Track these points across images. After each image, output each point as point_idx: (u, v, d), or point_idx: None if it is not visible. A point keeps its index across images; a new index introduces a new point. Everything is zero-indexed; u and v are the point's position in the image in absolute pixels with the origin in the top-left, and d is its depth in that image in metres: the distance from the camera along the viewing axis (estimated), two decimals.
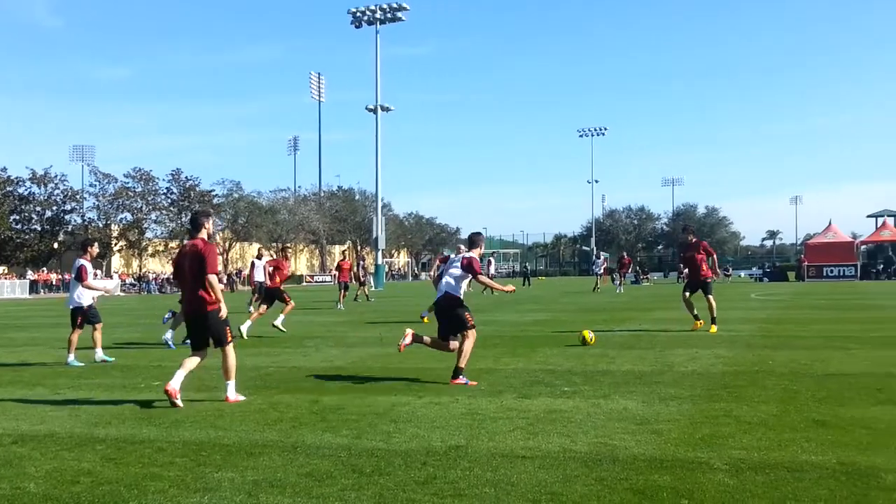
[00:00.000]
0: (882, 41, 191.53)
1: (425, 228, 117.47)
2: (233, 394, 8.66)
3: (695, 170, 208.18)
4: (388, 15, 63.78)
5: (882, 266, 60.78)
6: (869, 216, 68.94)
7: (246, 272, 64.24)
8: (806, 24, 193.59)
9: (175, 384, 8.37)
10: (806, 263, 61.56)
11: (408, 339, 9.86)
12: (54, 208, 72.67)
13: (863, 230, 77.77)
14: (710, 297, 16.33)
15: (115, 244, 73.42)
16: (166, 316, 16.17)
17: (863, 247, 67.32)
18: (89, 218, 75.02)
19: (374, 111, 64.07)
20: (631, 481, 5.26)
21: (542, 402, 8.28)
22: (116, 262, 77.50)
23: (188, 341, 9.35)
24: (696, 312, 16.38)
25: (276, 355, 13.26)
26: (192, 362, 8.67)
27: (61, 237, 72.63)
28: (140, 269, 74.44)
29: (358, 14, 64.19)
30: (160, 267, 76.56)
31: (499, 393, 8.87)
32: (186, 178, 78.08)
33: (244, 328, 16.38)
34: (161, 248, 76.07)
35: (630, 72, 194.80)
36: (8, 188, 69.91)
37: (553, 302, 31.07)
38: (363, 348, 14.22)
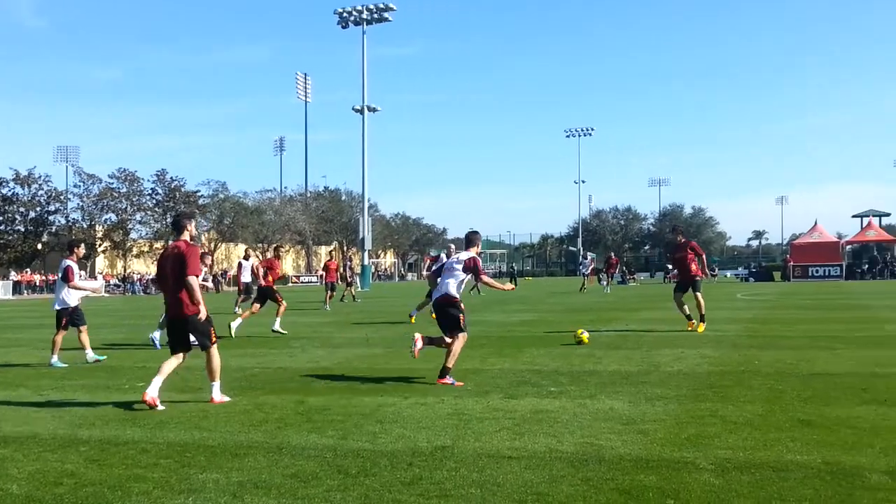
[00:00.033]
0: (866, 43, 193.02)
1: (412, 229, 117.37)
2: (218, 395, 8.62)
3: (681, 170, 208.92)
4: (375, 15, 63.66)
5: (867, 266, 61.12)
6: (854, 216, 69.26)
7: (231, 273, 64.11)
8: (802, 24, 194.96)
9: (153, 392, 8.30)
10: (791, 263, 61.86)
11: (419, 344, 9.85)
12: (38, 209, 72.14)
13: (848, 230, 78.16)
14: (699, 294, 16.39)
15: (100, 245, 73.05)
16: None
17: (848, 247, 67.67)
18: (73, 219, 74.57)
19: (361, 112, 63.94)
20: (617, 481, 5.26)
21: (529, 402, 8.28)
22: (101, 262, 77.05)
23: None
24: (688, 313, 16.43)
25: (262, 356, 13.21)
26: (170, 366, 8.59)
27: (45, 238, 72.18)
28: (124, 270, 74.04)
29: (344, 14, 64.05)
30: (145, 268, 76.17)
31: (485, 393, 8.86)
32: (171, 178, 77.84)
33: (234, 325, 16.39)
34: (146, 248, 75.77)
35: (617, 72, 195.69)
36: None
37: (540, 302, 31.10)
38: (349, 349, 14.19)
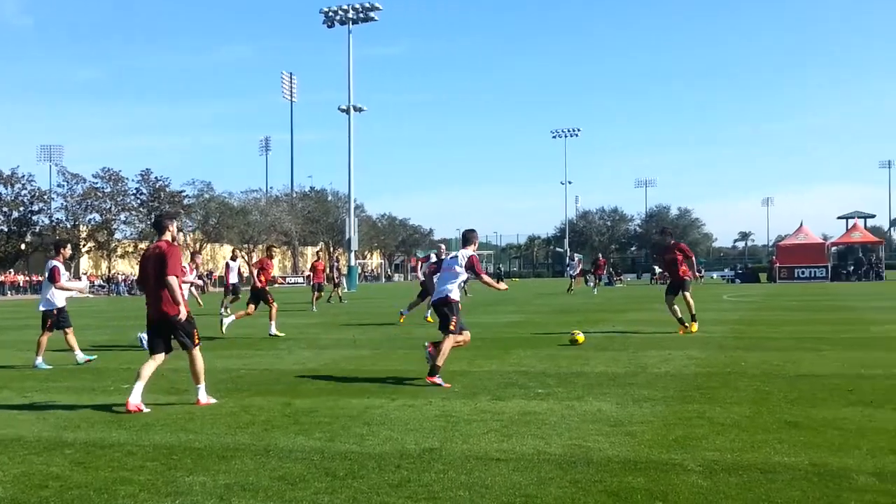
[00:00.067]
0: (853, 45, 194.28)
1: (398, 230, 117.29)
2: (204, 397, 8.57)
3: (667, 171, 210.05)
4: (361, 15, 63.60)
5: (852, 267, 61.42)
6: (839, 217, 69.63)
7: (217, 273, 63.83)
8: (802, 25, 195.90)
9: (135, 399, 8.23)
10: (777, 265, 62.05)
11: (432, 351, 9.81)
12: (21, 209, 71.63)
13: (833, 231, 78.57)
14: (688, 294, 16.44)
15: (84, 245, 72.62)
16: None
17: (833, 248, 67.97)
18: (57, 219, 74.16)
19: (347, 111, 63.85)
20: (605, 483, 5.26)
21: (516, 404, 8.27)
22: (85, 263, 76.60)
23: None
24: (680, 316, 16.43)
25: (248, 357, 13.16)
26: (149, 370, 8.48)
27: (29, 238, 71.63)
28: (109, 271, 73.64)
29: (330, 14, 63.96)
30: (129, 268, 75.75)
31: (473, 395, 8.85)
32: (156, 178, 77.53)
33: (227, 322, 16.41)
34: (130, 249, 75.27)
35: (603, 73, 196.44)
36: None
37: (527, 303, 31.11)
38: (336, 350, 14.15)
